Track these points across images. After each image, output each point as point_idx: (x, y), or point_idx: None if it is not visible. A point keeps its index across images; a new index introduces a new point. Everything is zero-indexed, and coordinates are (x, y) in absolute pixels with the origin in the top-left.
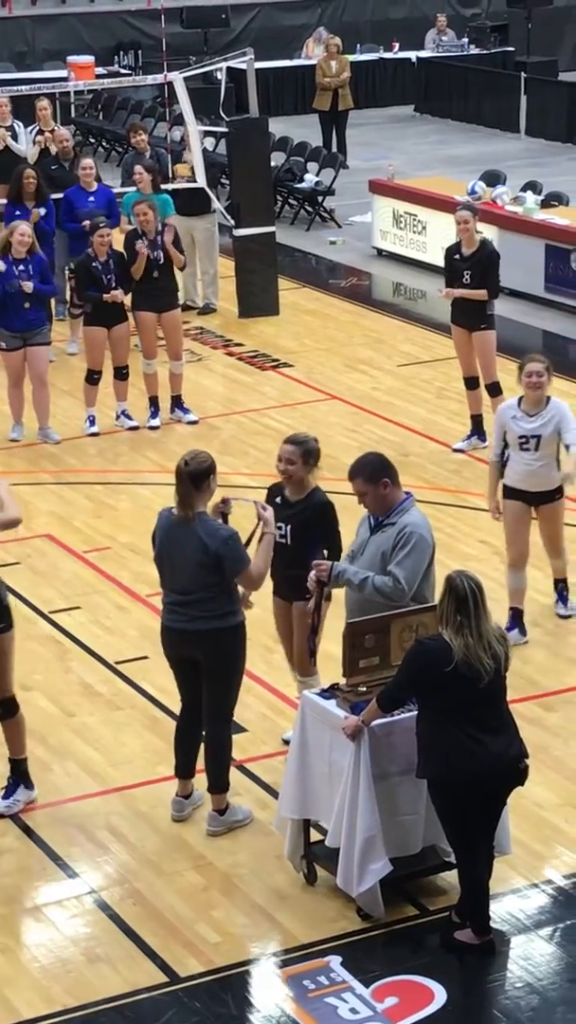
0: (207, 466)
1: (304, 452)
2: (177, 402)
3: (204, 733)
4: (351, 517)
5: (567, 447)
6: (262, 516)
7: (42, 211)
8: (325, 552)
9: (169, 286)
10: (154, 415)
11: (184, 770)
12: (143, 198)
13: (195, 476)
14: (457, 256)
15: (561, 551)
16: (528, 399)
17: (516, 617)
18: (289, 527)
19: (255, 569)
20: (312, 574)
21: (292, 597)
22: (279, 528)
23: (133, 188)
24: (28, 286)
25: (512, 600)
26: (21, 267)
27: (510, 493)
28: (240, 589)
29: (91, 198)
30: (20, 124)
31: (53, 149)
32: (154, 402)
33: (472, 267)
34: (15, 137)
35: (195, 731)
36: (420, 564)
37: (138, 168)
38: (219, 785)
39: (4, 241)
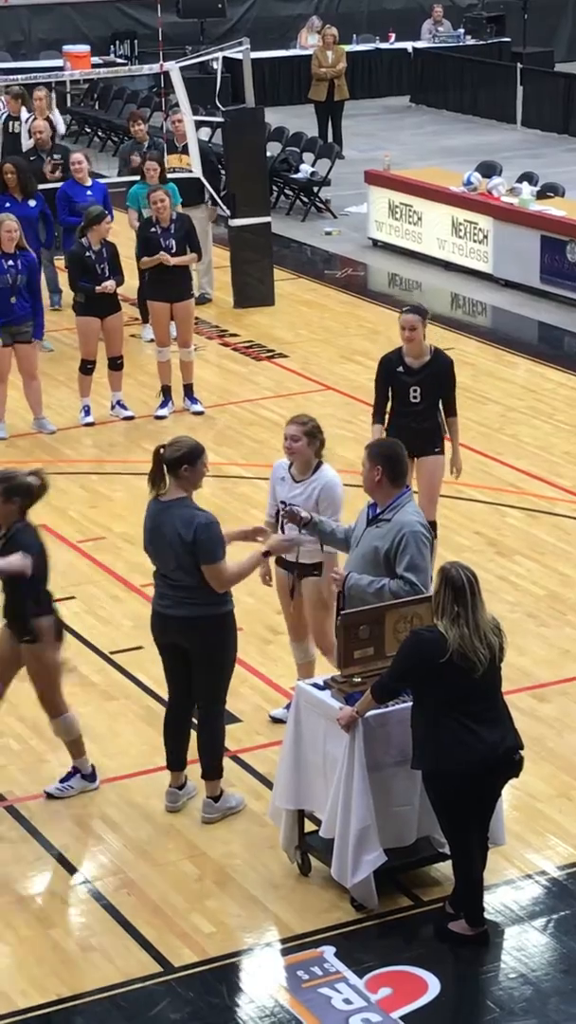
0: (180, 454)
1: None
2: (188, 390)
3: (196, 720)
4: (354, 504)
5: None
6: (271, 537)
7: (111, 285)
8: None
9: (182, 276)
10: (163, 404)
11: (175, 762)
12: (155, 187)
13: (170, 463)
14: (401, 369)
15: (323, 634)
16: (295, 463)
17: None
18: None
19: (228, 572)
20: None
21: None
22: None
23: (131, 178)
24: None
25: (300, 673)
26: (10, 262)
27: (278, 560)
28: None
29: (89, 192)
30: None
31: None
32: (166, 391)
33: (422, 382)
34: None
35: (183, 722)
36: (427, 557)
37: (150, 164)
38: (212, 772)
39: None
